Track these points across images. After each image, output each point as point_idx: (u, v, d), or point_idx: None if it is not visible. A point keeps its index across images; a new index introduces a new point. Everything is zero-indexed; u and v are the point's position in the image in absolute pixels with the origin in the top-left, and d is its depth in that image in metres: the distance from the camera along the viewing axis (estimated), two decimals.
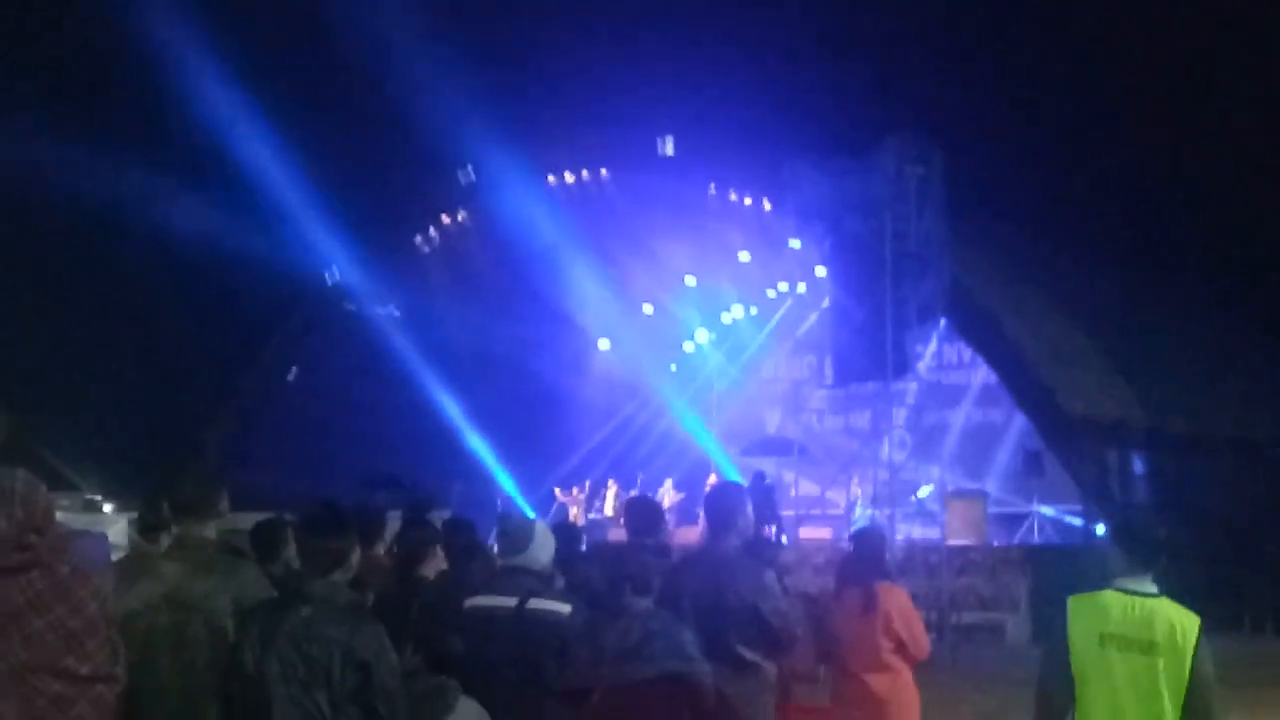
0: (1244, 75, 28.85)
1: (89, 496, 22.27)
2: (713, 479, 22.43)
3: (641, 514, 6.60)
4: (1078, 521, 21.74)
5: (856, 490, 23.22)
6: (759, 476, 20.69)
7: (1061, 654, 4.42)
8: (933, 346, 24.82)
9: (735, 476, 24.73)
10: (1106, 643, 4.33)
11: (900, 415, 21.47)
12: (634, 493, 21.29)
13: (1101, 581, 4.53)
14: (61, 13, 23.41)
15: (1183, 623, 4.34)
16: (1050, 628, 4.58)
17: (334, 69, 23.45)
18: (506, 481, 26.15)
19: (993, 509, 22.21)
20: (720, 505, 5.91)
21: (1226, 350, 25.22)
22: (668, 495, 23.01)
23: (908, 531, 21.03)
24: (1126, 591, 4.43)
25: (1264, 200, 28.09)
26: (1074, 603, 4.50)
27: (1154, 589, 4.46)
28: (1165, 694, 4.26)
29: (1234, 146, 28.83)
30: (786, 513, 22.91)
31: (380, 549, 6.82)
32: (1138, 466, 20.74)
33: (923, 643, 6.65)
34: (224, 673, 4.39)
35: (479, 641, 5.11)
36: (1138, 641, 4.32)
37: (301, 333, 26.45)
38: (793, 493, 25.00)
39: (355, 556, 4.46)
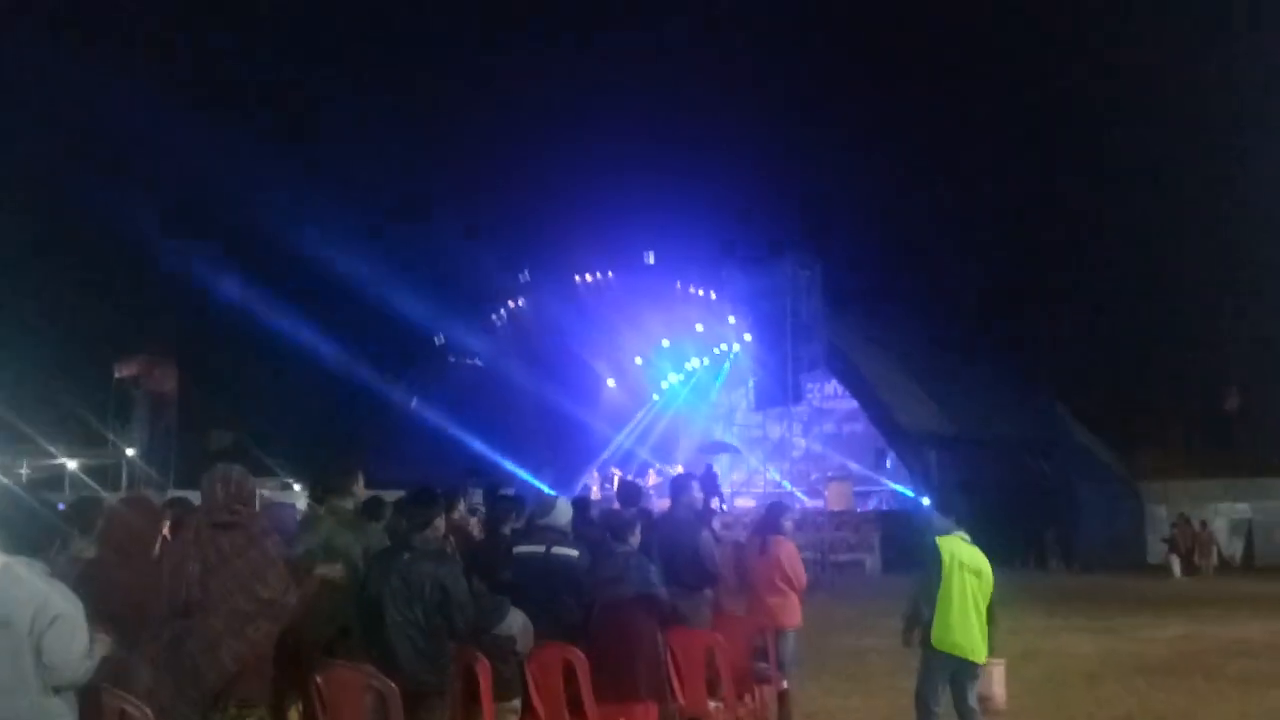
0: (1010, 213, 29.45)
1: (285, 480, 22.13)
2: (679, 469, 22.27)
3: (626, 491, 6.58)
4: (910, 494, 21.59)
5: (773, 475, 23.10)
6: (708, 467, 20.61)
7: (936, 569, 4.89)
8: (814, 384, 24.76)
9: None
10: (960, 566, 4.90)
11: (797, 428, 21.36)
12: (629, 477, 21.14)
13: (943, 533, 5.08)
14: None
15: (985, 561, 4.97)
16: (924, 556, 5.06)
17: (445, 213, 24.01)
18: (528, 477, 25.74)
19: (857, 487, 22.05)
20: (675, 486, 5.98)
21: (1001, 385, 25.27)
22: (651, 478, 22.90)
23: (803, 502, 20.87)
24: (961, 539, 5.01)
25: (1028, 293, 28.64)
26: (941, 541, 4.98)
27: (968, 538, 5.01)
28: (981, 597, 4.93)
29: (1010, 257, 29.39)
30: (726, 489, 22.77)
31: (456, 514, 6.71)
32: (945, 459, 20.66)
33: (799, 578, 6.30)
34: (357, 596, 4.36)
35: (520, 574, 5.05)
36: (971, 567, 4.93)
37: (420, 376, 26.45)
38: (733, 476, 24.89)
39: (441, 520, 4.40)
